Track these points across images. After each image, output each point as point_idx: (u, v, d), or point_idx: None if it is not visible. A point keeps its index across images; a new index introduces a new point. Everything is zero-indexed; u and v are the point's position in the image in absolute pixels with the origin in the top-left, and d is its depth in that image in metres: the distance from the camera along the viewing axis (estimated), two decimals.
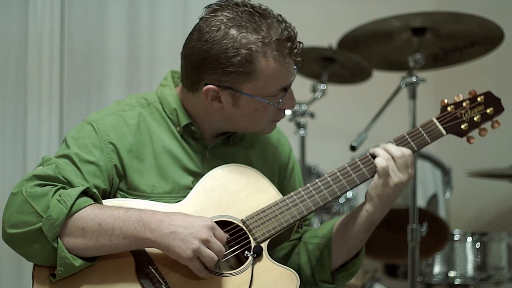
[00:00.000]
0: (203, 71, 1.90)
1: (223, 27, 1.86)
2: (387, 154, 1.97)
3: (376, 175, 1.97)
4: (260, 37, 1.84)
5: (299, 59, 1.92)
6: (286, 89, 1.94)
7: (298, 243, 2.15)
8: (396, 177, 1.96)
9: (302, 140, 3.40)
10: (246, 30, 1.85)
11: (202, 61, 1.89)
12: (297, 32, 1.90)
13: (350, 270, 2.09)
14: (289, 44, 1.87)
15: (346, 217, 2.07)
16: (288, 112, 3.32)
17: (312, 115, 3.40)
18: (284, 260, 2.14)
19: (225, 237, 1.81)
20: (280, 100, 1.93)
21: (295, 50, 1.89)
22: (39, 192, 1.76)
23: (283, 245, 2.10)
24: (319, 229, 2.13)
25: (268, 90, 1.90)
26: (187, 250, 1.74)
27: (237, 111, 1.94)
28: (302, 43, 1.91)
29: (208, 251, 1.75)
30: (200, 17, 1.93)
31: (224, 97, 1.92)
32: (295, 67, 1.95)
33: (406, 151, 1.98)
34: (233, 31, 1.85)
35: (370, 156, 2.00)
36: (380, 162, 1.97)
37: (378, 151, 1.99)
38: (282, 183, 2.17)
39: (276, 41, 1.85)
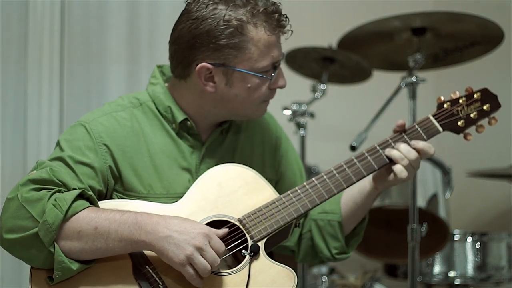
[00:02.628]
0: (195, 50, 1.91)
1: (211, 3, 1.90)
2: (406, 160, 1.99)
3: (395, 177, 2.00)
4: (248, 8, 1.89)
5: (286, 32, 1.97)
6: (276, 67, 1.96)
7: (305, 218, 2.18)
8: (413, 173, 2.03)
9: (302, 140, 3.39)
10: (234, 3, 1.89)
11: (194, 39, 1.90)
12: (282, 8, 1.95)
13: (360, 233, 2.17)
14: (276, 15, 1.92)
15: (354, 193, 2.11)
16: (287, 112, 3.33)
17: (312, 115, 3.39)
18: (298, 240, 2.18)
19: (223, 247, 1.80)
20: (272, 74, 1.95)
21: (283, 22, 1.94)
22: (35, 197, 1.76)
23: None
24: (325, 203, 2.12)
25: (259, 64, 1.92)
26: (180, 255, 1.74)
27: (231, 90, 1.95)
28: (288, 18, 1.96)
29: (201, 259, 1.74)
30: (186, 1, 1.96)
31: (217, 76, 1.93)
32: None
33: (422, 149, 2.00)
34: (221, 6, 1.89)
35: (366, 154, 2.00)
36: (400, 170, 1.99)
37: (397, 156, 2.00)
38: (278, 167, 2.19)
39: (264, 12, 1.90)
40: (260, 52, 1.91)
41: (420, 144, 2.01)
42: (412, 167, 2.00)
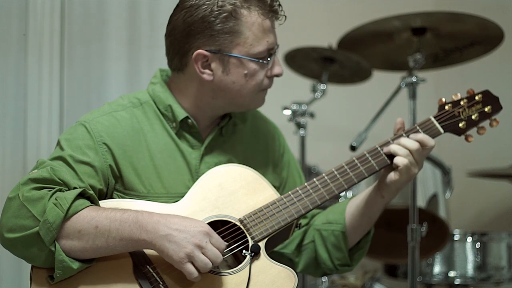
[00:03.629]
0: (190, 38, 1.93)
1: None
2: (406, 150, 1.98)
3: (397, 173, 1.98)
4: None
5: (280, 17, 1.99)
6: (271, 54, 1.98)
7: (308, 228, 2.17)
8: (416, 168, 2.00)
9: (302, 140, 3.39)
10: None
11: (189, 28, 1.93)
12: None
13: (364, 247, 2.15)
14: (269, 1, 1.95)
15: (358, 202, 2.10)
16: (287, 112, 3.33)
17: (312, 115, 3.39)
18: (298, 248, 2.16)
19: (223, 244, 1.80)
20: (268, 59, 1.97)
21: (275, 8, 1.96)
22: (36, 196, 1.76)
23: (294, 234, 2.11)
24: (329, 214, 2.15)
25: (255, 49, 1.94)
26: (180, 253, 1.74)
27: (228, 78, 1.96)
28: (281, 5, 1.98)
29: (202, 257, 1.75)
30: None
31: (214, 63, 1.95)
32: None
33: (421, 140, 1.99)
34: None
35: (367, 155, 2.00)
36: (401, 161, 1.97)
37: (396, 149, 1.98)
38: (280, 173, 2.19)
39: None
40: (254, 37, 1.93)
41: (419, 135, 2.00)
42: (414, 159, 1.98)
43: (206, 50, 1.93)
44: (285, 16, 2.00)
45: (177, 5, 1.99)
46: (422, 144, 1.99)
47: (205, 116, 2.04)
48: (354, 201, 2.12)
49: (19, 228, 1.75)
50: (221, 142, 2.08)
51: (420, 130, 2.03)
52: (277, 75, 2.02)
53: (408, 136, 2.02)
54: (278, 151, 2.20)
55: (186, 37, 1.94)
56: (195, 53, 1.94)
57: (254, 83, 1.98)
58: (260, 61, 1.96)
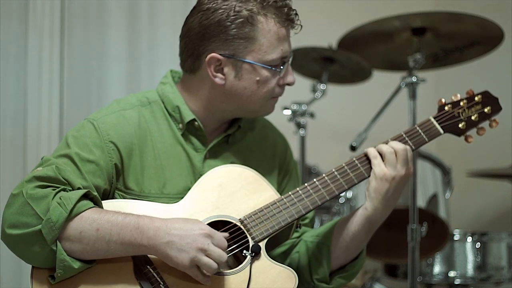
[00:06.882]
0: (205, 41, 1.93)
1: None
2: (389, 147, 1.96)
3: (372, 170, 1.96)
4: (259, 0, 1.92)
5: (295, 26, 1.99)
6: (284, 62, 1.97)
7: (298, 242, 2.14)
8: (394, 170, 1.95)
9: (302, 140, 3.40)
10: None
11: (204, 30, 1.93)
12: (291, 4, 1.98)
13: (349, 272, 2.07)
14: (286, 9, 1.94)
15: (346, 216, 2.07)
16: (287, 112, 3.33)
17: (312, 115, 3.39)
18: (283, 257, 2.14)
19: (225, 243, 1.80)
20: (281, 67, 1.96)
21: (292, 17, 1.96)
22: (40, 194, 1.76)
23: (284, 242, 2.09)
24: (320, 228, 2.13)
25: (269, 56, 1.94)
26: (184, 260, 1.74)
27: (239, 83, 1.96)
28: (297, 14, 1.98)
29: (206, 260, 1.75)
30: None
31: (227, 67, 1.94)
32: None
33: (406, 146, 1.98)
34: None
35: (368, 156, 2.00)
36: (372, 152, 1.96)
37: (379, 146, 1.97)
38: (282, 182, 2.18)
39: (274, 5, 1.93)
40: (269, 44, 1.93)
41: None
42: (389, 164, 1.94)
43: (220, 54, 1.93)
44: (301, 26, 1.99)
45: (194, 7, 1.98)
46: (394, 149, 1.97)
47: (213, 119, 2.03)
48: (344, 217, 2.09)
49: (21, 225, 1.74)
50: (226, 148, 2.07)
51: (420, 132, 2.02)
52: (289, 84, 2.01)
53: (410, 140, 2.00)
54: (284, 162, 2.19)
55: (201, 39, 1.94)
56: (208, 56, 1.93)
57: (265, 90, 1.98)
58: (273, 68, 1.96)
